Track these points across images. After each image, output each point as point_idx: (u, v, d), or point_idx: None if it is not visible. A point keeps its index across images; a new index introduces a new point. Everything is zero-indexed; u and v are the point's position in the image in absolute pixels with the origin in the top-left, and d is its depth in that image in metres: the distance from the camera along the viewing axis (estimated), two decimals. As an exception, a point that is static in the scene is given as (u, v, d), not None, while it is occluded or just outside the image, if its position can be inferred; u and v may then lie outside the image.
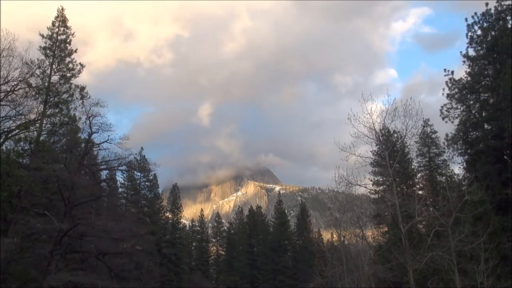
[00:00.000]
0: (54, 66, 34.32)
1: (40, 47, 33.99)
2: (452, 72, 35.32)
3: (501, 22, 32.90)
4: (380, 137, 23.33)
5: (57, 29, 35.07)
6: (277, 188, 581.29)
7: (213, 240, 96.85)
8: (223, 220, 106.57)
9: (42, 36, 34.41)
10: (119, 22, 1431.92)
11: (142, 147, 66.89)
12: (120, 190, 62.05)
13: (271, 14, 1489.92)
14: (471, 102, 34.69)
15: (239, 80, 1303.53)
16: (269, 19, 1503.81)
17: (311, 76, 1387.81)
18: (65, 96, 34.35)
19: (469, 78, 34.42)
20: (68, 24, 35.63)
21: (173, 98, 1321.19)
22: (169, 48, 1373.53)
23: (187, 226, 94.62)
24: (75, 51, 35.42)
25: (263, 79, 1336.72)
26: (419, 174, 46.27)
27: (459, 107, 35.16)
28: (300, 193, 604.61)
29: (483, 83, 34.30)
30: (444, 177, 40.87)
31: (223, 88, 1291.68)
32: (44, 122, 33.26)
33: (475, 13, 34.11)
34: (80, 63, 35.32)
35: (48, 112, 33.40)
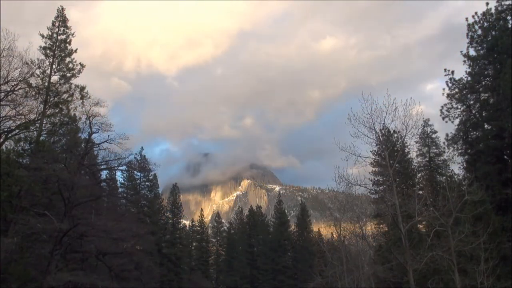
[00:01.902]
0: (54, 66, 34.32)
1: (40, 47, 33.98)
2: (453, 72, 35.35)
3: (501, 22, 32.89)
4: (380, 137, 23.30)
5: (57, 29, 35.06)
6: (277, 188, 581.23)
7: (213, 240, 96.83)
8: (223, 220, 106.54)
9: (42, 36, 34.41)
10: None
11: (142, 147, 67.05)
12: (120, 190, 62.13)
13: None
14: (471, 102, 34.68)
15: (256, 87, 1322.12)
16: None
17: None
18: (65, 96, 34.35)
19: (469, 78, 34.42)
20: (68, 24, 35.66)
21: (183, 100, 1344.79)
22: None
23: (187, 226, 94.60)
24: (75, 51, 35.42)
25: (275, 87, 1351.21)
26: (419, 174, 46.26)
27: (459, 107, 35.16)
28: (300, 193, 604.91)
29: (483, 83, 34.29)
30: (444, 177, 40.86)
31: (239, 95, 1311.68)
32: (44, 122, 33.25)
33: (476, 13, 34.14)
34: (80, 63, 35.36)
35: (48, 112, 33.38)
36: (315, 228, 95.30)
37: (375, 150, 28.45)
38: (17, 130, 31.38)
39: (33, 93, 32.38)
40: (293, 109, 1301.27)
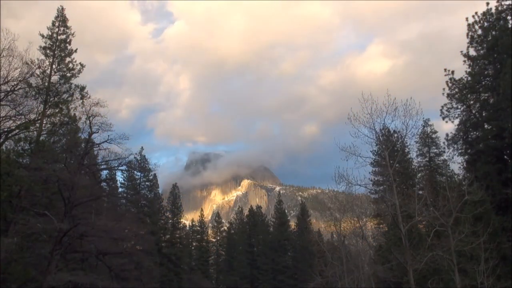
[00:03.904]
0: (54, 66, 34.27)
1: (40, 47, 33.94)
2: (453, 72, 35.37)
3: (501, 21, 32.91)
4: (380, 137, 23.29)
5: (57, 29, 35.03)
6: (277, 188, 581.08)
7: (213, 240, 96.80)
8: (223, 220, 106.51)
9: (42, 36, 34.37)
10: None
11: (142, 147, 66.95)
12: (120, 190, 62.14)
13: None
14: (472, 102, 34.70)
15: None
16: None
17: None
18: (65, 96, 34.31)
19: (469, 78, 34.43)
20: (68, 24, 35.64)
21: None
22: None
23: (187, 226, 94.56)
24: (75, 51, 35.37)
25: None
26: (419, 174, 46.30)
27: (459, 107, 35.19)
28: (300, 193, 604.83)
29: (483, 83, 34.31)
30: (444, 177, 40.91)
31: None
32: (44, 122, 33.21)
33: (476, 13, 34.16)
34: (80, 63, 35.32)
35: (48, 112, 33.35)
36: (315, 228, 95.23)
37: (375, 150, 28.51)
38: (17, 130, 31.33)
39: (33, 93, 32.34)
40: (314, 119, 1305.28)
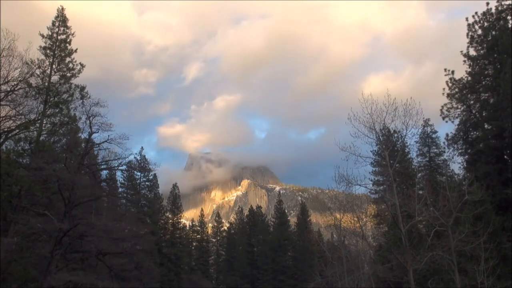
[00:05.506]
0: (54, 66, 34.26)
1: (40, 47, 33.93)
2: (453, 72, 35.37)
3: (501, 21, 32.91)
4: (380, 137, 23.30)
5: (57, 29, 35.02)
6: (277, 188, 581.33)
7: (213, 240, 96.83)
8: (223, 220, 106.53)
9: (42, 36, 34.36)
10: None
11: (142, 147, 67.02)
12: (120, 190, 62.10)
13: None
14: (472, 101, 34.70)
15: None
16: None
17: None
18: (65, 96, 34.29)
19: (469, 78, 34.44)
20: (68, 24, 35.63)
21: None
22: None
23: (187, 226, 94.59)
24: (75, 50, 35.37)
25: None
26: (419, 174, 46.26)
27: (459, 106, 35.19)
28: (300, 193, 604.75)
29: (483, 82, 34.31)
30: (444, 177, 40.87)
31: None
32: (44, 122, 33.22)
33: (476, 13, 34.17)
34: (80, 63, 35.32)
35: (48, 112, 33.35)
36: (315, 228, 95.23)
37: (375, 150, 28.53)
38: (17, 130, 31.35)
39: (33, 93, 32.34)
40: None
